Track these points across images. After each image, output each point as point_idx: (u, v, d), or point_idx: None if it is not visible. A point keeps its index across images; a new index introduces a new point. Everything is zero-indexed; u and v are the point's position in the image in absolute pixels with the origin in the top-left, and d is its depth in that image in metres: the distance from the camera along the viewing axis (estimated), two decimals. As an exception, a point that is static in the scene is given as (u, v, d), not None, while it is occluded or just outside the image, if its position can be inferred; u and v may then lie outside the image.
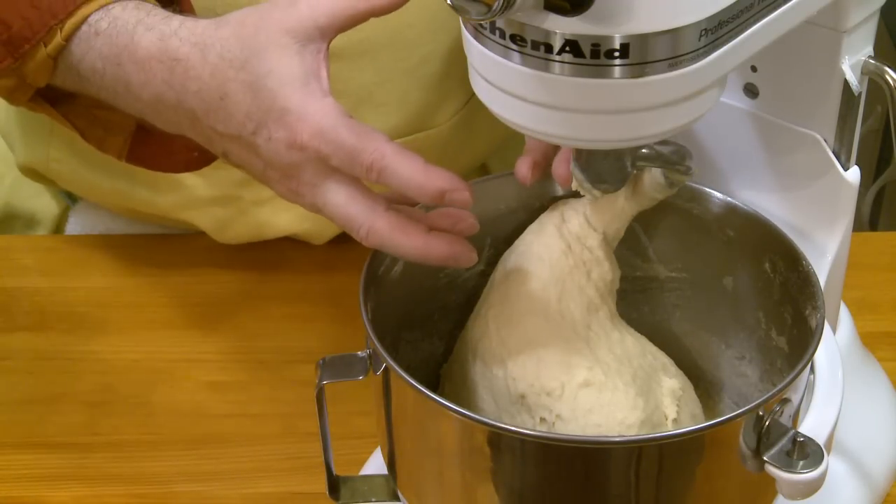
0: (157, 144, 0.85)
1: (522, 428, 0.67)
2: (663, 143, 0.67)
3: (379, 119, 0.99)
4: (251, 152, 0.72)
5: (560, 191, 0.78)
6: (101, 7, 0.76)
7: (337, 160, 0.69)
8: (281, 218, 1.03)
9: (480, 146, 1.10)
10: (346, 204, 0.70)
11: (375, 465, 0.80)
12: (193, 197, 1.02)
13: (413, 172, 0.68)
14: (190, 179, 1.01)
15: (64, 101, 0.83)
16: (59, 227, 1.12)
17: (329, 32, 0.71)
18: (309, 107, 0.69)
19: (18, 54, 0.77)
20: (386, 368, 0.67)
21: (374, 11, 0.70)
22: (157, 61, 0.73)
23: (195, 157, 0.86)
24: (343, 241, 1.05)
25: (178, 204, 1.03)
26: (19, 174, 1.10)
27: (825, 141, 0.74)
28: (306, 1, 0.70)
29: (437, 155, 1.05)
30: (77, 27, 0.76)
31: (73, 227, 1.12)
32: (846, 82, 0.71)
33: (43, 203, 1.13)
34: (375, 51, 0.96)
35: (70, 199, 1.12)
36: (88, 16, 0.76)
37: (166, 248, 1.06)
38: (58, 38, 0.76)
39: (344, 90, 0.96)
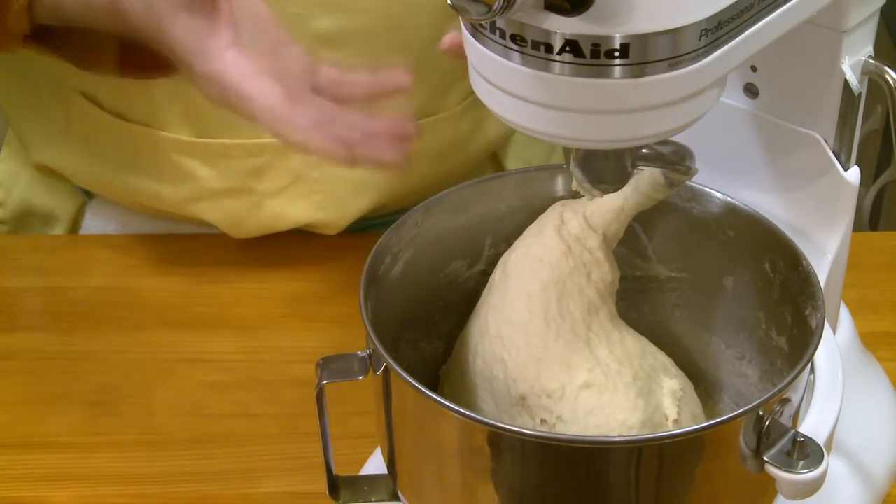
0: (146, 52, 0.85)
1: (522, 428, 0.67)
2: (663, 143, 0.67)
3: None
4: None
5: (560, 191, 0.78)
6: None
7: None
8: (294, 208, 1.02)
9: (491, 132, 1.09)
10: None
11: (375, 465, 0.80)
12: (205, 189, 1.02)
13: None
14: (201, 171, 1.01)
15: (54, 36, 0.85)
16: (75, 224, 1.12)
17: None
18: None
19: None
20: (386, 368, 0.67)
21: None
22: None
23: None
24: (347, 237, 1.05)
25: (189, 197, 1.03)
26: (36, 171, 1.10)
27: (825, 141, 0.74)
28: None
29: (448, 139, 1.05)
30: None
31: (90, 223, 1.12)
32: (846, 82, 0.71)
33: (60, 200, 1.12)
34: (375, 36, 0.95)
35: (86, 195, 1.12)
36: None
37: (166, 248, 1.06)
38: None
39: None
